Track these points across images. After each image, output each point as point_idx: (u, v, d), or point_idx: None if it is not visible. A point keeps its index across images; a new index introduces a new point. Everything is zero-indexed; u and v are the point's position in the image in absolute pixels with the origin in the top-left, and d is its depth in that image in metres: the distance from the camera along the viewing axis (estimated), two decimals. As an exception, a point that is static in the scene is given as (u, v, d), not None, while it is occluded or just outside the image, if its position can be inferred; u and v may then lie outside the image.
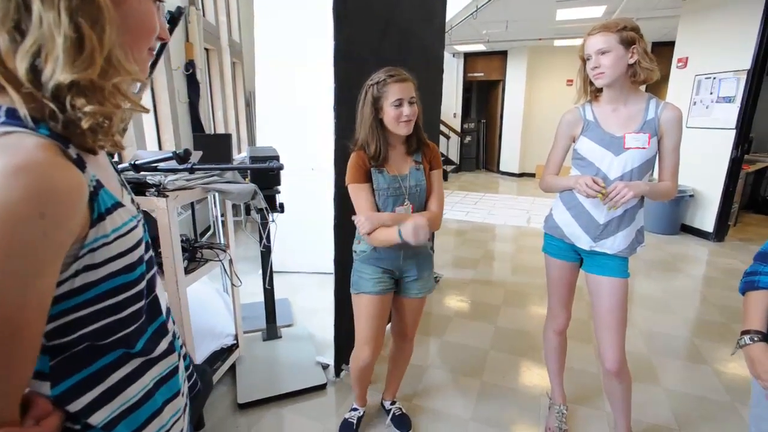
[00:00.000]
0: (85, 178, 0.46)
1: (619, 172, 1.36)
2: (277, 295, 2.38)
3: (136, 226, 0.54)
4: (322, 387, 1.98)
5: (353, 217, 1.38)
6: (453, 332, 2.57)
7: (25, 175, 0.39)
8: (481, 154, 9.76)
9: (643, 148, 1.33)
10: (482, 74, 8.87)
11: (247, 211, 2.01)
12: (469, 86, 9.51)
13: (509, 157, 8.81)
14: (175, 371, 0.64)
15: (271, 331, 2.36)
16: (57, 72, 0.41)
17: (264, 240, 2.11)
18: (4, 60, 0.41)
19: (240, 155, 4.15)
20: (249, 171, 1.97)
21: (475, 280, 3.40)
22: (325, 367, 2.11)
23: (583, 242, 1.46)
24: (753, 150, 5.46)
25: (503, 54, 8.37)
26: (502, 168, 8.99)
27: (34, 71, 0.41)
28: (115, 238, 0.50)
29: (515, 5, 5.12)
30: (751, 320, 0.97)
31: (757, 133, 5.47)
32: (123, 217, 0.52)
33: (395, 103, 1.29)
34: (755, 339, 0.95)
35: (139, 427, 0.56)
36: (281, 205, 1.97)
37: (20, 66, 0.41)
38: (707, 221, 4.51)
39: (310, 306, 2.85)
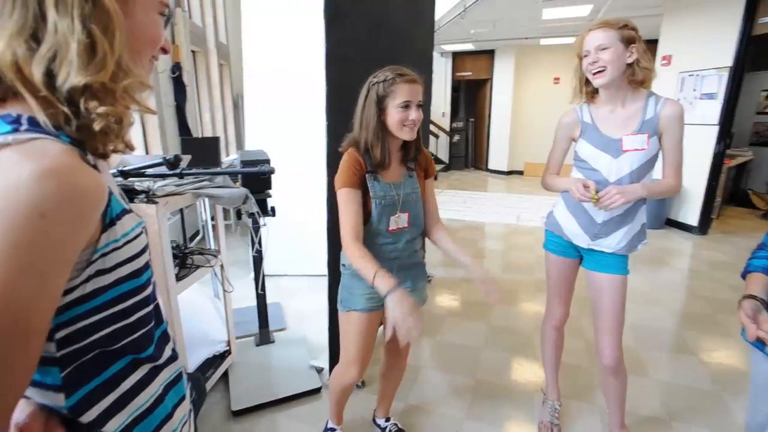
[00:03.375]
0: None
1: (619, 175, 1.36)
2: (269, 299, 2.36)
3: (141, 233, 0.56)
4: (316, 391, 1.97)
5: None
6: (446, 332, 2.58)
7: (56, 178, 0.41)
8: (470, 152, 9.80)
9: (642, 149, 1.33)
10: (470, 73, 8.91)
11: (238, 216, 1.98)
12: (457, 85, 9.53)
13: (498, 156, 8.87)
14: (180, 376, 0.65)
15: (264, 336, 2.35)
16: (71, 75, 0.43)
17: (256, 245, 2.10)
18: (22, 67, 0.43)
19: (228, 158, 4.11)
20: (240, 175, 1.95)
21: (467, 279, 3.42)
22: (319, 370, 2.10)
23: (581, 240, 1.48)
24: (733, 145, 5.59)
25: (491, 53, 8.41)
26: (491, 166, 9.04)
27: (49, 76, 0.44)
28: (124, 243, 0.51)
29: (502, 5, 5.15)
30: (746, 291, 1.02)
31: (737, 128, 5.60)
32: (130, 223, 0.53)
33: (402, 105, 1.18)
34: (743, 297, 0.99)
35: None
36: (272, 209, 1.96)
37: (36, 71, 0.43)
38: (691, 215, 4.61)
39: (303, 309, 2.83)
